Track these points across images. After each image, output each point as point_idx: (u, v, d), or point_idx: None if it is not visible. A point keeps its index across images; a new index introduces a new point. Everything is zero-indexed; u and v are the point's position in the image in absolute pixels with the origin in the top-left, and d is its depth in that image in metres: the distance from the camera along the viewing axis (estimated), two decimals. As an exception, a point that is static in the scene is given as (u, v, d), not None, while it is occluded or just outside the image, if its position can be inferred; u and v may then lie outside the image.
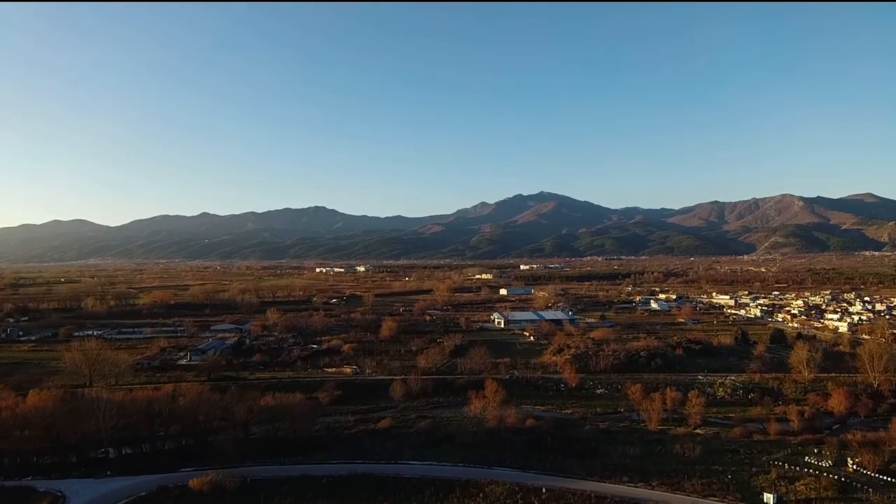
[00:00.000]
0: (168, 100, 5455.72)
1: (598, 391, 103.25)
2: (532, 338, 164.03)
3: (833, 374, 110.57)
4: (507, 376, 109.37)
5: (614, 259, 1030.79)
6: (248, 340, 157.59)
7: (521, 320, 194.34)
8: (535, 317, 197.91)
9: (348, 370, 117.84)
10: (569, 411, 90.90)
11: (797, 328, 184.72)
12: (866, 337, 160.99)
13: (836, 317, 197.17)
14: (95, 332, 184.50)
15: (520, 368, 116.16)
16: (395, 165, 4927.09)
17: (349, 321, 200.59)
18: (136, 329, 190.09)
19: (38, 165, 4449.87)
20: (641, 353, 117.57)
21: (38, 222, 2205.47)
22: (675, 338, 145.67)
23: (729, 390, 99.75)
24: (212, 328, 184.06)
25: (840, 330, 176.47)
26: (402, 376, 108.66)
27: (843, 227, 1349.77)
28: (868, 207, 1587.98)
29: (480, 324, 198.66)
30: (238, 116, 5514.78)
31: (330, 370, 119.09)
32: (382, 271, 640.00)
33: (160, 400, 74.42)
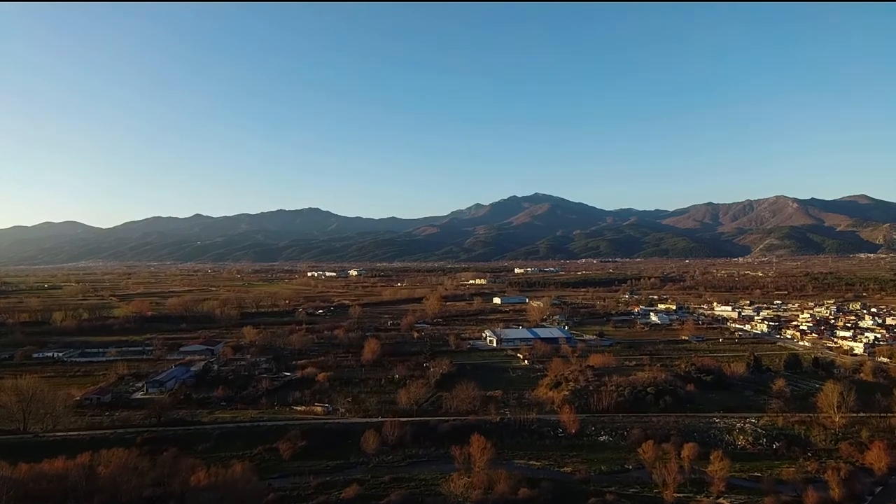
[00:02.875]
0: (162, 102, 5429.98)
1: (601, 438, 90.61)
2: (526, 361, 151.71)
3: (863, 415, 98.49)
4: (498, 418, 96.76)
5: (609, 262, 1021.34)
6: (215, 366, 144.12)
7: (514, 339, 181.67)
8: (530, 335, 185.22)
9: (319, 409, 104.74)
10: (569, 469, 78.20)
11: (809, 348, 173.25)
12: (885, 360, 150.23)
13: (848, 334, 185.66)
14: (56, 354, 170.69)
15: (512, 407, 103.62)
16: (390, 167, 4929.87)
17: (331, 339, 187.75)
18: (100, 350, 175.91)
19: (30, 167, 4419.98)
20: (648, 390, 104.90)
21: (30, 224, 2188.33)
22: (683, 364, 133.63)
23: (751, 438, 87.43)
24: (181, 349, 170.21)
25: (856, 351, 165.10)
26: (379, 419, 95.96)
27: (838, 228, 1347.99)
28: (862, 209, 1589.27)
29: (471, 342, 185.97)
30: (233, 118, 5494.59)
31: (299, 408, 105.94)
32: (374, 276, 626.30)
33: (75, 472, 61.33)
